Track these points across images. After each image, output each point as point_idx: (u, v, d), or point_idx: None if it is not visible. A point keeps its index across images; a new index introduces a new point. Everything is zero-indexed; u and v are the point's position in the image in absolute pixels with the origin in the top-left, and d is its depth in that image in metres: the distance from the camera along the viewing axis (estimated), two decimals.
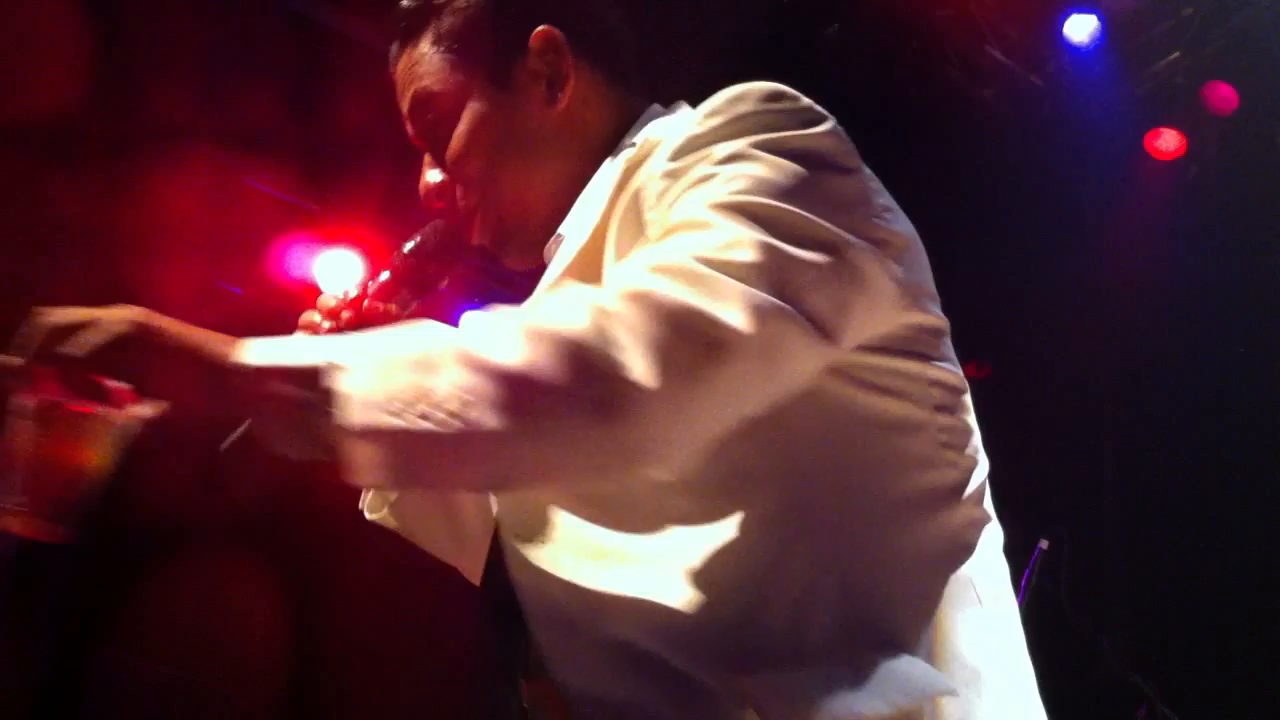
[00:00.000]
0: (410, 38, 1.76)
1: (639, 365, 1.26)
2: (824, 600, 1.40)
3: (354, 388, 1.29)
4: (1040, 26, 4.94)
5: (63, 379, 1.37)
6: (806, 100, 1.51)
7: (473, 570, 1.87)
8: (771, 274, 1.33)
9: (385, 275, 1.80)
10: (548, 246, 1.71)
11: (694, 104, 1.57)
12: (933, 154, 4.53)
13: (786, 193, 1.40)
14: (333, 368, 1.31)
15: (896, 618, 1.42)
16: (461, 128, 1.72)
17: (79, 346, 1.35)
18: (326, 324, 1.77)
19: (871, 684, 1.35)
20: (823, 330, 1.36)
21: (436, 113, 1.74)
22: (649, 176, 1.50)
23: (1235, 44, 4.77)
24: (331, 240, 5.01)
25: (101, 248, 4.59)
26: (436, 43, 1.74)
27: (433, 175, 1.78)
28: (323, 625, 5.13)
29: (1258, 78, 4.78)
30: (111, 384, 1.39)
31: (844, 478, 1.45)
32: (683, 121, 1.52)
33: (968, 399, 1.58)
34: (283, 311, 5.29)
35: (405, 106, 1.78)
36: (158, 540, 4.80)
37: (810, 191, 1.41)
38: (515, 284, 1.76)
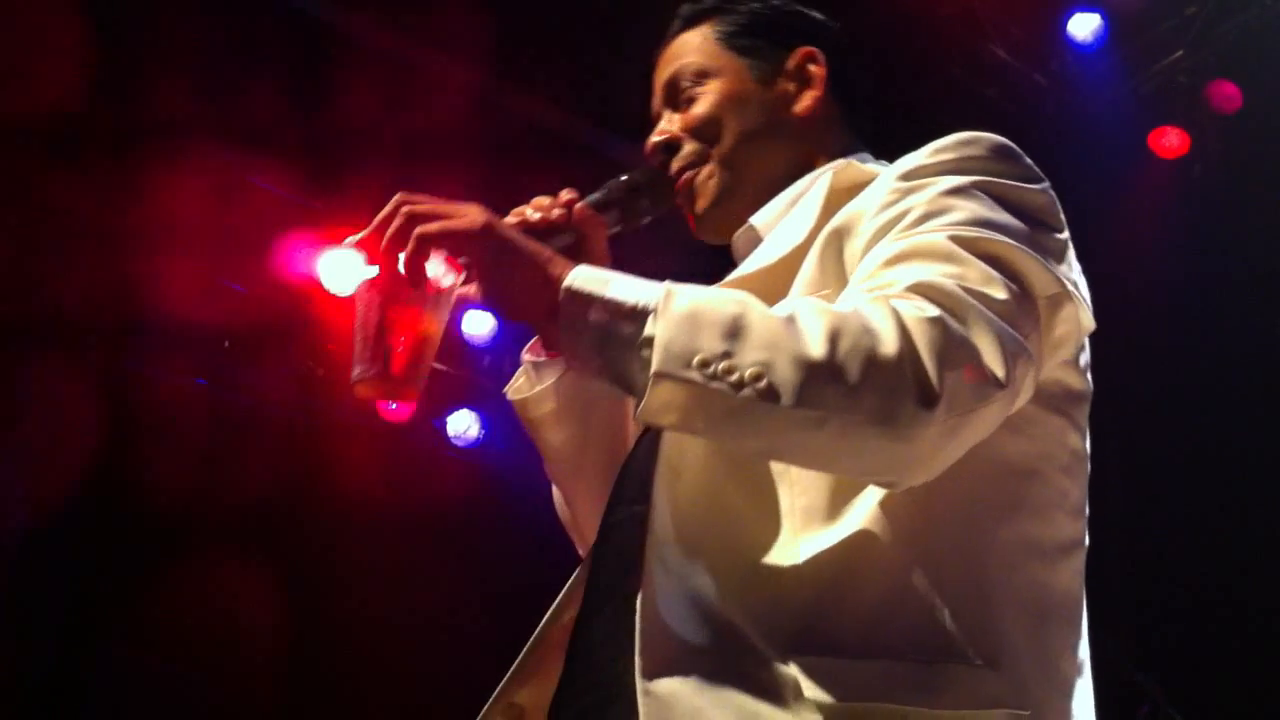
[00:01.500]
0: (692, 24, 2.01)
1: (930, 393, 1.40)
2: (909, 607, 1.51)
3: (666, 336, 1.41)
4: (1043, 25, 4.94)
5: (415, 254, 1.52)
6: (1028, 160, 1.68)
7: (574, 492, 1.97)
8: (1020, 318, 1.50)
9: (599, 194, 1.93)
10: (737, 235, 1.92)
11: None
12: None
13: (1018, 236, 1.55)
14: (650, 313, 1.44)
15: (987, 641, 1.51)
16: (717, 99, 1.94)
17: (439, 228, 1.52)
18: (536, 215, 1.87)
19: (937, 687, 1.46)
20: (1039, 370, 1.55)
21: (699, 86, 1.96)
22: (871, 203, 1.64)
23: (1239, 42, 4.76)
24: (334, 238, 5.01)
25: (105, 245, 4.59)
26: (716, 33, 1.98)
27: (659, 136, 1.98)
28: (324, 621, 5.13)
29: (1261, 76, 4.78)
30: (446, 267, 1.56)
31: (962, 506, 1.57)
32: (903, 160, 1.68)
33: (1087, 475, 1.71)
34: (286, 309, 5.32)
35: (666, 74, 1.99)
36: (159, 536, 4.81)
37: (1033, 241, 1.56)
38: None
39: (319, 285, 5.00)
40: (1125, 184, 4.88)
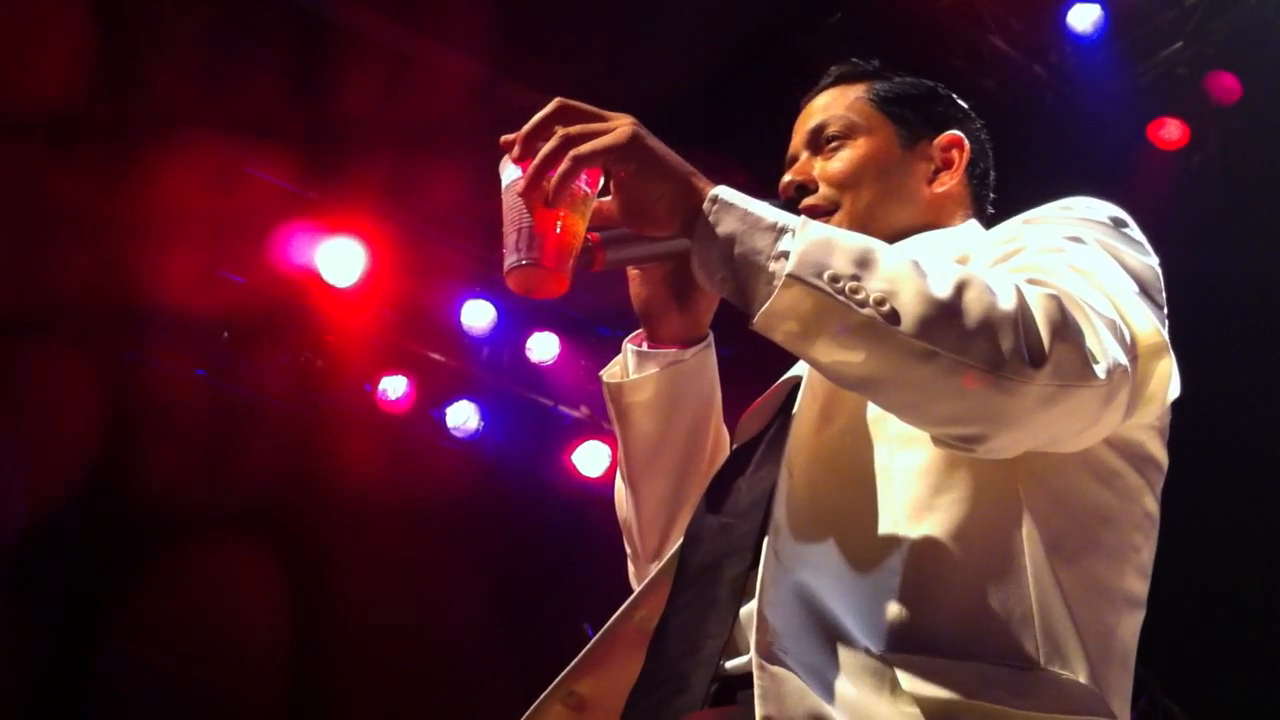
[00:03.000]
0: (847, 81, 2.13)
1: (1038, 353, 1.49)
2: (999, 616, 1.59)
3: (802, 248, 1.52)
4: (1043, 16, 4.93)
5: (566, 175, 1.59)
6: (1141, 233, 1.81)
7: (642, 486, 2.00)
8: (1121, 344, 1.58)
9: None
10: None
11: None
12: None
13: (1129, 289, 1.66)
14: (789, 229, 1.55)
15: (1071, 660, 1.61)
16: (862, 156, 2.04)
17: (591, 149, 1.59)
18: None
19: (1031, 691, 1.54)
20: (1132, 406, 1.62)
21: (847, 139, 2.05)
22: (990, 239, 1.80)
23: (1238, 34, 4.75)
24: (332, 229, 5.01)
25: (105, 235, 4.59)
26: (870, 94, 2.10)
27: (797, 176, 2.05)
28: (323, 611, 5.13)
29: (1261, 67, 4.77)
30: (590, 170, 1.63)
31: (1046, 534, 1.65)
32: (1025, 214, 1.82)
33: (1155, 541, 1.80)
34: (285, 300, 5.31)
35: (815, 121, 2.09)
36: (157, 529, 4.81)
37: (1142, 297, 1.67)
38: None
39: (318, 276, 5.00)
40: (1124, 175, 4.87)
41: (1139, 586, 1.76)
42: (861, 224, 1.97)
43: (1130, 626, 1.74)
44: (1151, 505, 1.78)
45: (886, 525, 1.64)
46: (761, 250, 1.54)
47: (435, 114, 4.74)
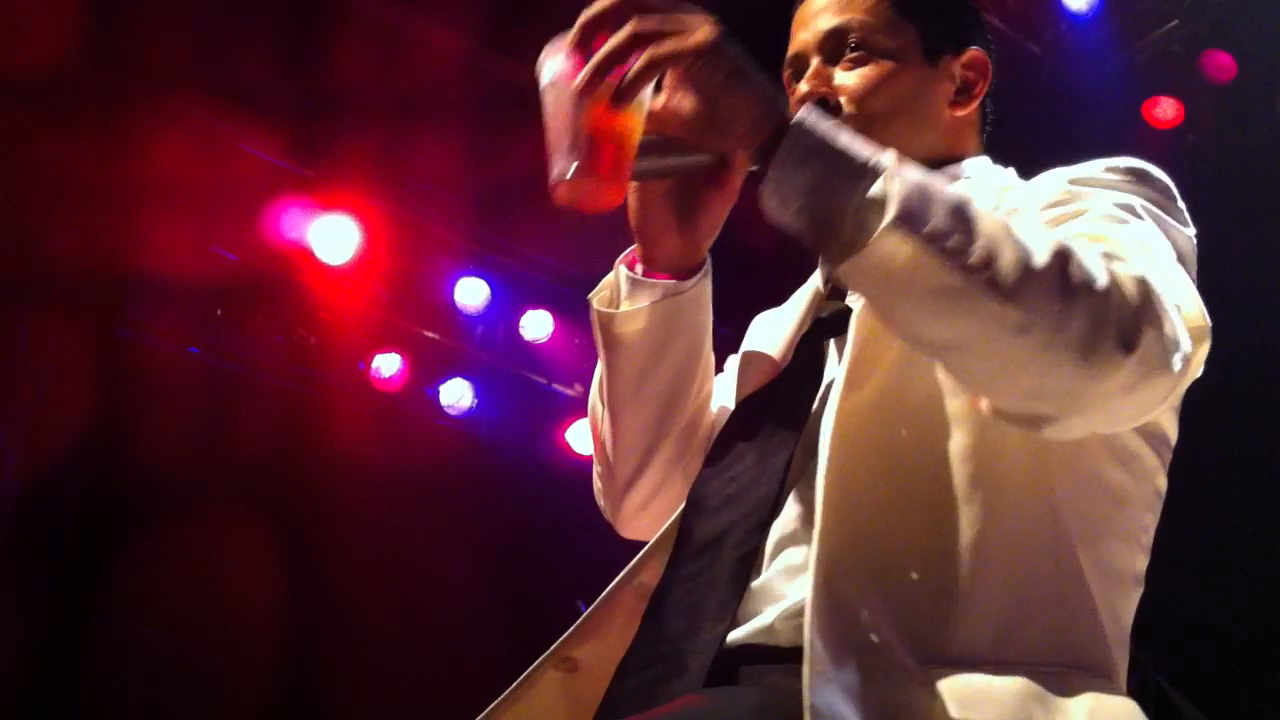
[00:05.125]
0: None
1: (1130, 339, 1.40)
2: (1035, 614, 1.54)
3: (902, 194, 1.38)
4: None
5: (640, 76, 1.45)
6: (1182, 203, 1.74)
7: (622, 418, 1.89)
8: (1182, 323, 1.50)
9: None
10: None
11: None
12: None
13: (1178, 260, 1.60)
14: (883, 170, 1.41)
15: (1099, 654, 1.59)
16: (887, 75, 1.87)
17: (670, 50, 1.45)
18: None
19: (1071, 699, 1.48)
20: (1180, 393, 1.59)
21: (869, 52, 1.88)
22: (1037, 198, 1.66)
23: (1233, 12, 4.75)
24: (325, 205, 5.00)
25: (96, 207, 4.57)
26: (893, 1, 1.91)
27: (817, 90, 1.88)
28: (317, 589, 5.13)
29: (1255, 46, 4.76)
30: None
31: (1072, 520, 1.61)
32: (1068, 169, 1.73)
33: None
34: (278, 277, 5.30)
35: (834, 22, 1.90)
36: (151, 505, 4.80)
37: (1184, 272, 1.61)
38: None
39: (311, 253, 5.00)
40: (1119, 153, 4.87)
41: (1143, 565, 1.73)
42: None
43: (1133, 605, 1.71)
44: (1162, 483, 1.74)
45: (926, 516, 1.56)
46: (852, 190, 1.41)
47: (430, 90, 4.73)
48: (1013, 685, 1.46)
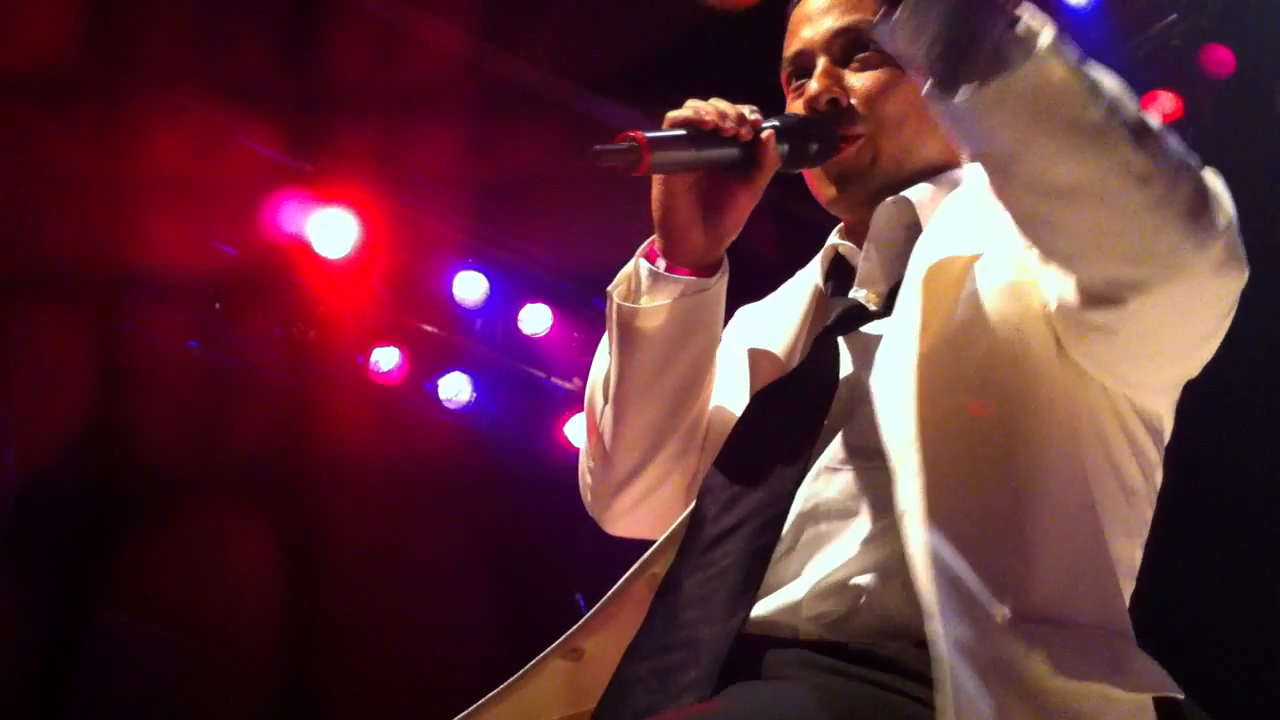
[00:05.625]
0: None
1: (1223, 218, 1.50)
2: (1085, 582, 1.60)
3: (1048, 40, 1.43)
4: None
5: None
6: None
7: (629, 413, 1.89)
8: None
9: (778, 122, 1.84)
10: (885, 204, 1.86)
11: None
12: None
13: None
14: (1018, 13, 1.44)
15: (1129, 627, 1.65)
16: (894, 74, 1.85)
17: None
18: (709, 115, 1.78)
19: (1124, 666, 1.56)
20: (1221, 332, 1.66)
21: (876, 48, 1.84)
22: None
23: (1233, 7, 4.74)
24: (324, 200, 4.99)
25: (93, 201, 4.57)
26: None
27: (830, 92, 1.88)
28: (316, 583, 5.13)
29: (1255, 41, 4.76)
30: None
31: (1102, 498, 1.67)
32: None
33: None
34: (275, 271, 5.29)
35: (844, 21, 1.89)
36: (152, 500, 4.80)
37: None
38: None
39: (309, 248, 4.99)
40: None
41: (1139, 554, 1.78)
42: (898, 161, 1.88)
43: (1128, 594, 1.76)
44: (1158, 479, 1.79)
45: (992, 477, 1.59)
46: (996, 20, 1.42)
47: (429, 85, 4.72)
48: (1091, 636, 1.54)
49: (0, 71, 4.10)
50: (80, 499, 4.83)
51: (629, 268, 1.86)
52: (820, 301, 1.91)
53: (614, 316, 1.85)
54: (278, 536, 5.02)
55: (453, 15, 4.68)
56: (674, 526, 1.78)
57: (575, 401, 5.51)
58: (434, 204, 5.20)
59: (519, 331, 5.48)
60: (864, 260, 1.87)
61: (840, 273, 1.93)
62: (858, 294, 1.85)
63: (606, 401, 1.90)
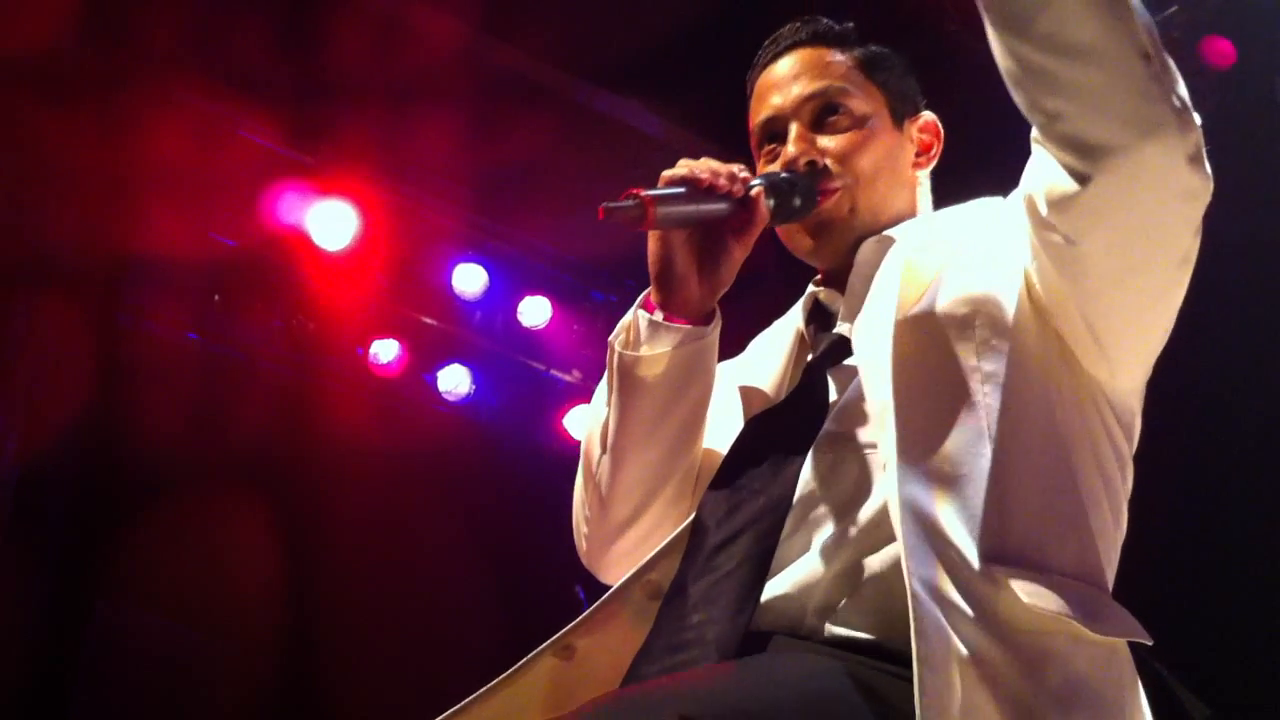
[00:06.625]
0: (835, 44, 2.06)
1: (1196, 124, 1.65)
2: (1065, 536, 1.71)
3: None
4: None
5: None
6: None
7: (629, 458, 1.97)
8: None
9: (764, 180, 1.96)
10: (867, 244, 1.98)
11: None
12: (931, 109, 4.49)
13: None
14: None
15: (1105, 580, 1.78)
16: (864, 134, 2.02)
17: None
18: (704, 174, 1.89)
19: (1102, 612, 1.68)
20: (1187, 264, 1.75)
21: (844, 111, 2.02)
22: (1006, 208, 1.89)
23: None
24: (324, 191, 4.99)
25: (93, 192, 4.57)
26: (859, 64, 2.06)
27: (807, 156, 2.01)
28: (315, 575, 5.14)
29: (1255, 32, 4.75)
30: None
31: (1088, 461, 1.80)
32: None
33: None
34: (275, 263, 5.28)
35: (813, 87, 2.03)
36: (152, 492, 4.80)
37: None
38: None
39: (309, 239, 4.99)
40: None
41: (1121, 529, 1.88)
42: (874, 211, 2.00)
43: (1113, 572, 1.88)
44: (1130, 479, 1.90)
45: (968, 437, 1.70)
46: None
47: (428, 76, 4.72)
48: (1065, 583, 1.64)
49: (0, 61, 4.10)
50: (80, 489, 4.83)
51: (628, 318, 1.94)
52: (804, 342, 2.03)
53: (616, 365, 1.92)
54: (276, 527, 5.02)
55: (452, 6, 4.67)
56: (673, 536, 1.85)
57: (574, 393, 5.52)
58: (433, 196, 5.20)
59: (518, 323, 5.48)
60: (849, 295, 1.97)
61: (820, 315, 2.04)
62: (842, 328, 1.95)
63: (604, 451, 1.97)
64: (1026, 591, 1.60)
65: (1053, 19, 1.60)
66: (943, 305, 1.78)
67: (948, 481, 1.66)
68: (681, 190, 1.80)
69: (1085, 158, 1.64)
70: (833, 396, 1.89)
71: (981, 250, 1.85)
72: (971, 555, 1.61)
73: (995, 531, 1.64)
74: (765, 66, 2.08)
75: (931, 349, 1.75)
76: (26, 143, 4.39)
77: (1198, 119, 1.66)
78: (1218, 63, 4.85)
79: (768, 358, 2.05)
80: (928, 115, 2.12)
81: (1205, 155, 1.65)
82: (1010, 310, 1.77)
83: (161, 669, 4.94)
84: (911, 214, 2.04)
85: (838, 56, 2.05)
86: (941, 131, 2.12)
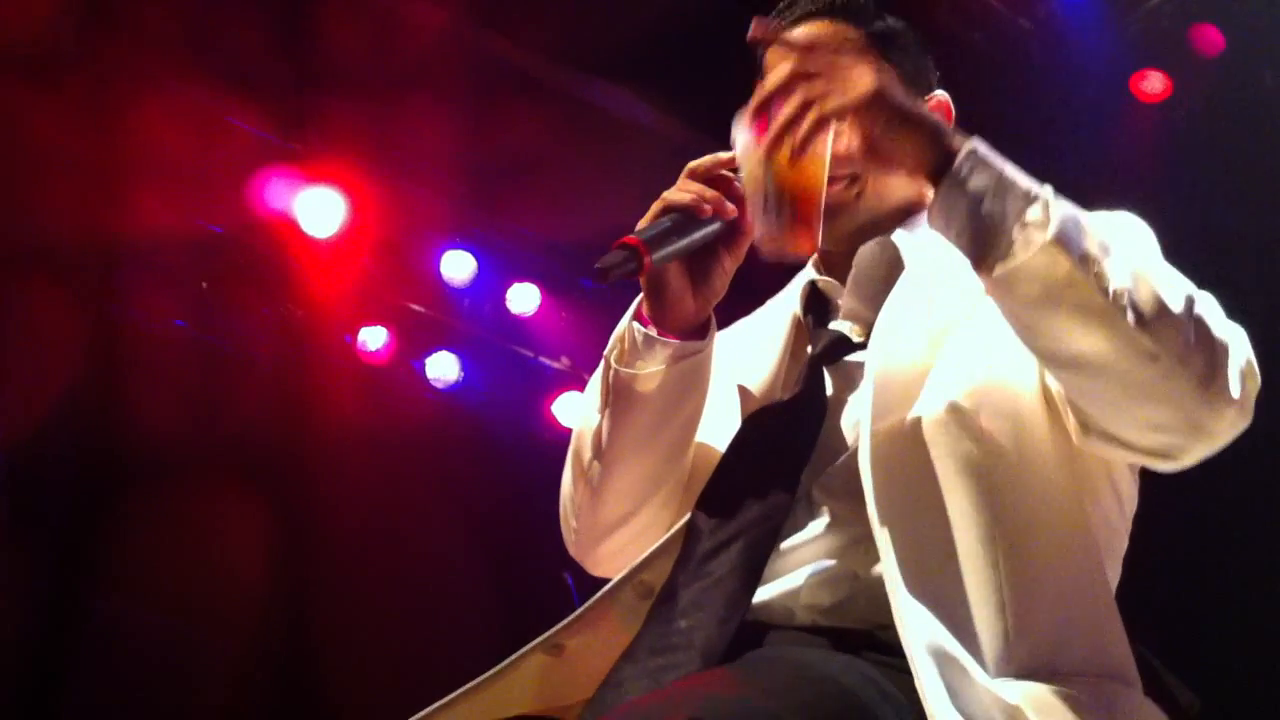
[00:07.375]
0: (843, 17, 2.00)
1: (1239, 381, 1.60)
2: (1082, 634, 1.66)
3: (1060, 218, 1.54)
4: None
5: (811, 134, 1.59)
6: None
7: (620, 469, 1.94)
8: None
9: None
10: (869, 244, 1.95)
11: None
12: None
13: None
14: (1040, 198, 1.56)
15: (1129, 667, 1.71)
16: None
17: (835, 107, 1.59)
18: (687, 198, 1.84)
19: (1121, 712, 1.63)
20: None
21: None
22: None
23: None
24: (312, 178, 4.98)
25: (82, 180, 4.56)
26: (871, 39, 1.99)
27: None
28: (305, 566, 5.14)
29: (1244, 20, 4.76)
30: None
31: (1101, 547, 1.77)
32: None
33: None
34: (263, 250, 5.27)
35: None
36: (143, 478, 4.80)
37: None
38: None
39: (297, 226, 4.98)
40: (1108, 128, 4.87)
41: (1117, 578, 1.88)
42: (881, 196, 1.95)
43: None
44: (1132, 515, 1.90)
45: (973, 540, 1.66)
46: (1013, 212, 1.55)
47: (417, 63, 4.71)
48: (1075, 694, 1.58)
49: None
50: (69, 479, 4.82)
51: (622, 329, 1.90)
52: (800, 332, 1.99)
53: (611, 381, 1.89)
54: (267, 515, 5.02)
55: None
56: (666, 537, 1.83)
57: (563, 380, 5.52)
58: (422, 183, 5.19)
59: (507, 311, 5.48)
60: (848, 296, 1.95)
61: (818, 304, 2.01)
62: (841, 325, 1.93)
63: (595, 457, 1.94)
64: (1040, 705, 1.56)
65: (1048, 335, 1.60)
66: (946, 395, 1.73)
67: (955, 600, 1.62)
68: (669, 224, 1.76)
69: (1136, 455, 1.70)
70: (830, 394, 1.87)
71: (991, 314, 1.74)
72: (983, 672, 1.58)
73: (1007, 646, 1.60)
74: (769, 43, 1.98)
75: (918, 449, 1.71)
76: (15, 129, 4.38)
77: (1244, 373, 1.62)
78: (1206, 50, 4.86)
79: (764, 343, 2.02)
80: (940, 94, 2.06)
81: (1250, 405, 1.64)
82: (1024, 405, 1.75)
83: (153, 655, 4.93)
84: (919, 200, 1.94)
85: (852, 34, 1.99)
86: (954, 113, 2.06)
